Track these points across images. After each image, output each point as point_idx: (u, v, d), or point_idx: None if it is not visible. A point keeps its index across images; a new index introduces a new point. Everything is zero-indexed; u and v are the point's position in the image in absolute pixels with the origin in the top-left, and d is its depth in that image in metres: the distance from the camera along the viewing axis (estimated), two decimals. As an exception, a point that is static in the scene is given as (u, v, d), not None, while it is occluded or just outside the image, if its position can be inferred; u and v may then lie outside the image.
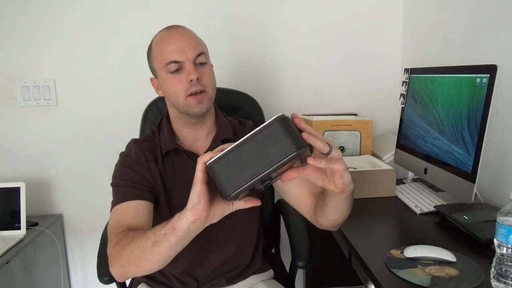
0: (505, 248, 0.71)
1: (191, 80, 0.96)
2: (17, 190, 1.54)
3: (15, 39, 1.70)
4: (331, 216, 0.82)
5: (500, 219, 0.72)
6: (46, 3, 1.68)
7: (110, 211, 0.95)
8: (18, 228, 1.53)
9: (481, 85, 1.02)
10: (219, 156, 0.60)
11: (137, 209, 0.93)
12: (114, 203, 0.96)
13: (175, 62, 0.97)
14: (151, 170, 1.03)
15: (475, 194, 1.05)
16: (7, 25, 1.69)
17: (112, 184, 1.01)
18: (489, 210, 1.05)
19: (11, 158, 1.77)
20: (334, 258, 1.65)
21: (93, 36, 1.72)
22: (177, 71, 0.98)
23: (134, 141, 1.10)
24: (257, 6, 1.74)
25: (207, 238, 1.05)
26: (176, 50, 0.97)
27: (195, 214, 0.65)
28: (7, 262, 1.38)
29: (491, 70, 0.99)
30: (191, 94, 0.97)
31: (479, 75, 1.04)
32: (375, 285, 0.83)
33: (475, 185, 1.01)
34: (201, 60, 0.99)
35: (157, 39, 1.02)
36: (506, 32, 1.17)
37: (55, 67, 1.73)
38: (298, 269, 1.18)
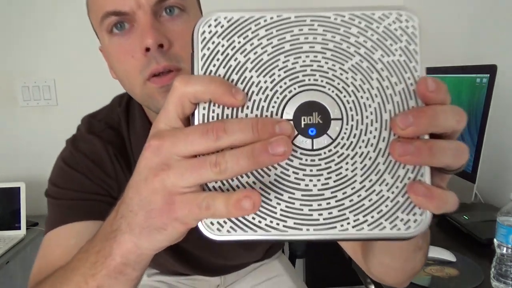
0: (505, 248, 0.71)
1: (147, 49, 0.52)
2: (17, 190, 1.54)
3: (15, 39, 1.70)
4: (380, 257, 0.49)
5: (500, 219, 0.72)
6: (46, 3, 1.68)
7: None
8: (18, 228, 1.53)
9: (481, 85, 1.02)
10: None
11: (80, 239, 0.51)
12: (48, 227, 0.61)
13: (115, 13, 0.54)
14: (117, 173, 0.65)
15: (475, 194, 1.05)
16: (7, 25, 1.69)
17: (47, 194, 0.65)
18: (489, 210, 1.05)
19: (11, 158, 1.77)
20: (334, 258, 1.65)
21: (93, 36, 1.72)
22: (121, 28, 0.55)
23: (88, 127, 0.69)
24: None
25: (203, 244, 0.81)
26: None
27: (183, 231, 0.31)
28: (7, 262, 1.38)
29: (491, 70, 0.99)
30: (153, 76, 0.54)
31: (479, 75, 1.04)
32: (375, 285, 0.83)
33: (475, 185, 1.01)
34: (169, 4, 0.55)
35: None
36: (506, 32, 1.16)
37: (55, 67, 1.73)
38: (298, 270, 1.18)
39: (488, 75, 1.00)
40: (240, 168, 0.27)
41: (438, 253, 0.88)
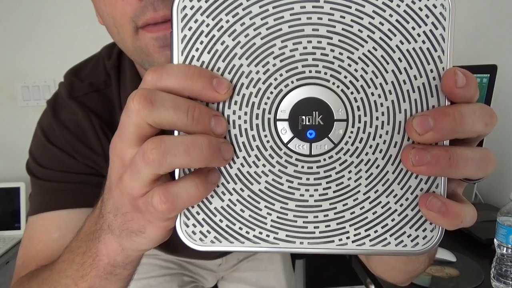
0: (505, 248, 0.71)
1: None
2: (17, 190, 1.54)
3: (15, 39, 1.70)
4: (380, 262, 0.50)
5: (500, 219, 0.72)
6: (46, 2, 1.68)
7: (26, 220, 0.56)
8: (18, 228, 1.53)
9: (481, 85, 1.02)
10: None
11: (64, 231, 0.50)
12: (31, 211, 0.54)
13: None
14: (104, 148, 0.55)
15: (475, 194, 1.05)
16: (7, 24, 1.69)
17: (28, 169, 0.58)
18: (489, 210, 1.05)
19: (11, 158, 1.77)
20: (334, 258, 1.65)
21: (93, 36, 1.72)
22: None
23: (70, 89, 0.60)
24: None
25: None
26: None
27: (162, 233, 0.28)
28: (7, 262, 1.38)
29: (491, 70, 0.99)
30: (146, 25, 0.41)
31: (479, 75, 1.04)
32: (375, 285, 0.83)
33: (475, 185, 1.01)
34: None
35: None
36: (506, 32, 1.17)
37: (55, 67, 1.73)
38: (298, 270, 1.18)
39: (488, 75, 1.00)
40: (172, 157, 0.23)
41: (438, 253, 0.88)
